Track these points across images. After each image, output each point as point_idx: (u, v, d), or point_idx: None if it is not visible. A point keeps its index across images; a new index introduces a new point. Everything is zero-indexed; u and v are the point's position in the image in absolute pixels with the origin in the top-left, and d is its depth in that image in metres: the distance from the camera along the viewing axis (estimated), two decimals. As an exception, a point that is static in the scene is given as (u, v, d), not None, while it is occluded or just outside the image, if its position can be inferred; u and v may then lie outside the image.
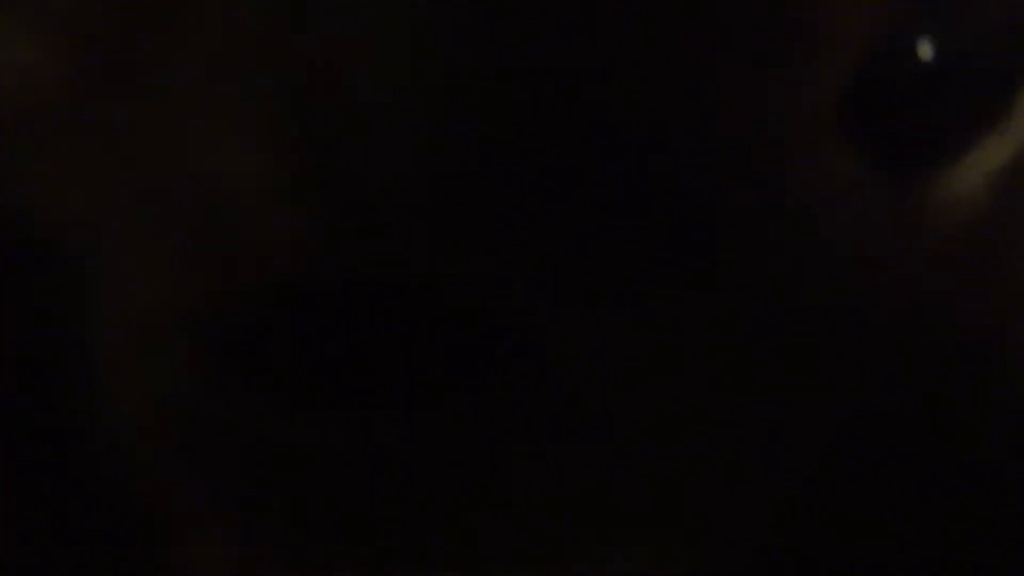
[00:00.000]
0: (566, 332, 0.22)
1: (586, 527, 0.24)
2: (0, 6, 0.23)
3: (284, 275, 0.23)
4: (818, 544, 0.22)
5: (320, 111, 0.22)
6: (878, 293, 0.21)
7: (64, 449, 0.26)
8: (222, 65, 0.22)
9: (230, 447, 0.24)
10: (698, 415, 0.22)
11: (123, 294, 0.24)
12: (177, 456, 0.25)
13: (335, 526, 0.25)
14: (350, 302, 0.23)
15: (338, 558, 0.25)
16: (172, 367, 0.24)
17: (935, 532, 0.21)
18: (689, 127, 0.21)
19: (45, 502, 0.26)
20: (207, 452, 0.24)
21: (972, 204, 0.22)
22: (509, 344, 0.23)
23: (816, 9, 0.21)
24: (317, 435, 0.24)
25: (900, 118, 0.22)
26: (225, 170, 0.22)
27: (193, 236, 0.23)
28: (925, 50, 0.22)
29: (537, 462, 0.23)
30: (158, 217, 0.23)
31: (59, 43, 0.23)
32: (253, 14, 0.22)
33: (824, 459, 0.22)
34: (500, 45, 0.21)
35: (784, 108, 0.21)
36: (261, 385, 0.23)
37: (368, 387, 0.23)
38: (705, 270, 0.21)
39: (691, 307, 0.22)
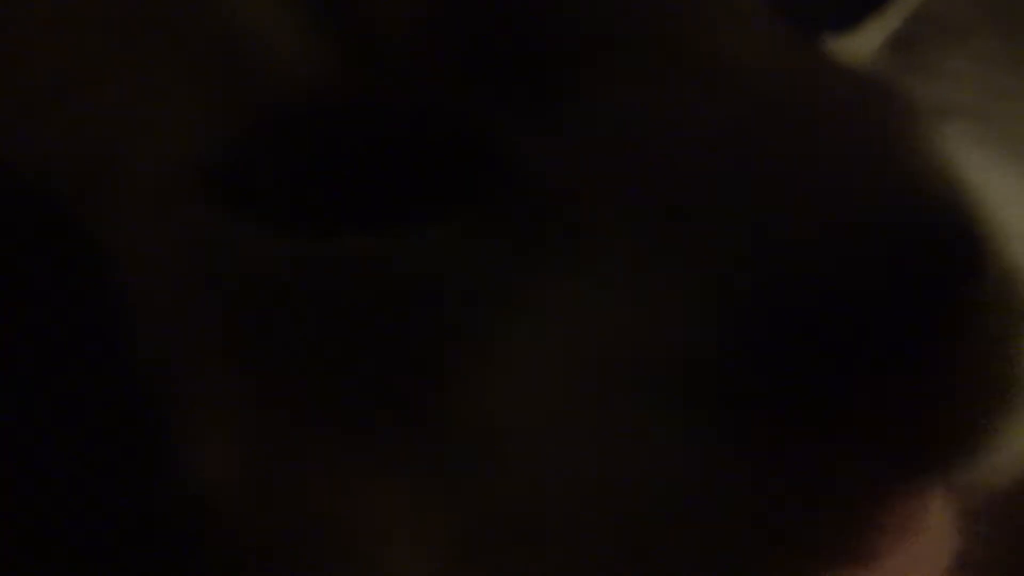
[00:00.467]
0: (542, 143, 0.25)
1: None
2: None
3: (295, 101, 0.25)
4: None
5: None
6: (784, 129, 0.25)
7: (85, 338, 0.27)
8: None
9: (243, 295, 0.26)
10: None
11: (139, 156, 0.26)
12: (189, 308, 0.26)
13: (332, 387, 0.26)
14: (354, 127, 0.25)
15: (332, 437, 0.27)
16: (188, 222, 0.26)
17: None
18: None
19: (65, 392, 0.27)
20: (220, 305, 0.26)
21: (862, 64, 0.27)
22: (493, 163, 0.25)
23: None
24: (323, 263, 0.25)
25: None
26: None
27: (209, 72, 0.25)
28: None
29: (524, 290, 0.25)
30: (173, 56, 0.25)
31: None
32: None
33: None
34: None
35: None
36: (272, 218, 0.25)
37: (372, 208, 0.25)
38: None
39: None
